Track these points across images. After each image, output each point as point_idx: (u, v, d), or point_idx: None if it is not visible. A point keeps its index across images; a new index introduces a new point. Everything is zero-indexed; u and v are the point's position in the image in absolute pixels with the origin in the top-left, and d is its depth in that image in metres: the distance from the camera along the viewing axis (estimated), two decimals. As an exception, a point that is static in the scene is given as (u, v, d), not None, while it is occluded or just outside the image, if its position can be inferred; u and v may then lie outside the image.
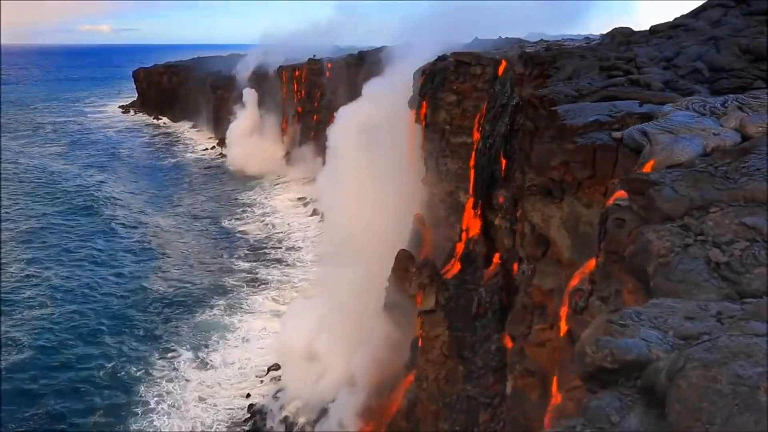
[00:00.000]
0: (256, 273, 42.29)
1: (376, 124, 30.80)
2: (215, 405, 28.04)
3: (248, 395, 28.72)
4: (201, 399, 28.28)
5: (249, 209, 57.34)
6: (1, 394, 27.82)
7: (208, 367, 31.00)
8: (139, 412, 27.28)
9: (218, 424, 26.78)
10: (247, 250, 46.87)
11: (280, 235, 50.06)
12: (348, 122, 32.67)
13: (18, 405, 27.24)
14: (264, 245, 47.72)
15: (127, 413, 27.19)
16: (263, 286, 40.36)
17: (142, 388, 28.84)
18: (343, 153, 32.08)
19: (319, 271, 38.81)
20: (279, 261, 44.46)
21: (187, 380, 29.64)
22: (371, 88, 34.32)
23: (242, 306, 37.46)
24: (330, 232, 35.60)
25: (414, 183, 29.10)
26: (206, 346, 32.75)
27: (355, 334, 26.53)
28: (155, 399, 28.13)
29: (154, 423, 26.59)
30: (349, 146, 31.53)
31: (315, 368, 27.57)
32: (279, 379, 29.60)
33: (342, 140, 32.59)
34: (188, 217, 54.96)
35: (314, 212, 53.17)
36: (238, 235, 50.46)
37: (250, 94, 73.14)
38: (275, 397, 28.10)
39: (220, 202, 60.09)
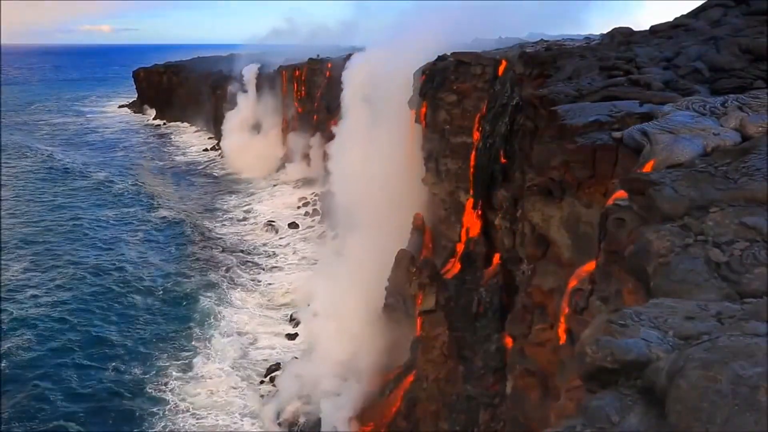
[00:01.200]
0: (255, 272, 42.32)
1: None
2: (219, 402, 28.07)
3: (249, 395, 28.72)
4: (204, 397, 28.34)
5: (246, 209, 57.23)
6: (2, 387, 27.79)
7: (207, 367, 30.99)
8: (147, 410, 27.30)
9: (219, 424, 26.76)
10: (245, 249, 46.90)
11: (277, 235, 50.01)
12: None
13: (23, 408, 26.89)
14: (261, 246, 47.70)
15: (134, 414, 27.14)
16: (259, 286, 40.38)
17: (146, 388, 28.84)
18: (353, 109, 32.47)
19: (332, 244, 38.86)
20: (275, 263, 44.42)
21: (187, 381, 29.66)
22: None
23: (234, 305, 37.45)
24: (340, 197, 35.80)
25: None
26: (207, 347, 32.73)
27: (355, 341, 26.77)
28: (163, 398, 28.13)
29: (162, 423, 26.59)
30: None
31: (309, 378, 27.62)
32: (277, 379, 29.62)
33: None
34: (186, 215, 54.84)
35: (314, 212, 53.13)
36: (235, 235, 50.45)
37: (250, 71, 72.12)
38: (275, 396, 28.09)
39: (217, 201, 60.00)
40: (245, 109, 72.31)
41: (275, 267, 43.54)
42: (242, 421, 27.00)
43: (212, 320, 35.40)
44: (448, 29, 33.23)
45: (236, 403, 28.15)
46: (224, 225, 53.02)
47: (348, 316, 28.44)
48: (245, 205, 58.57)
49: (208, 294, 38.49)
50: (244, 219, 54.57)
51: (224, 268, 42.99)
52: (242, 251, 46.56)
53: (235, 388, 29.32)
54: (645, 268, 5.35)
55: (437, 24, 34.09)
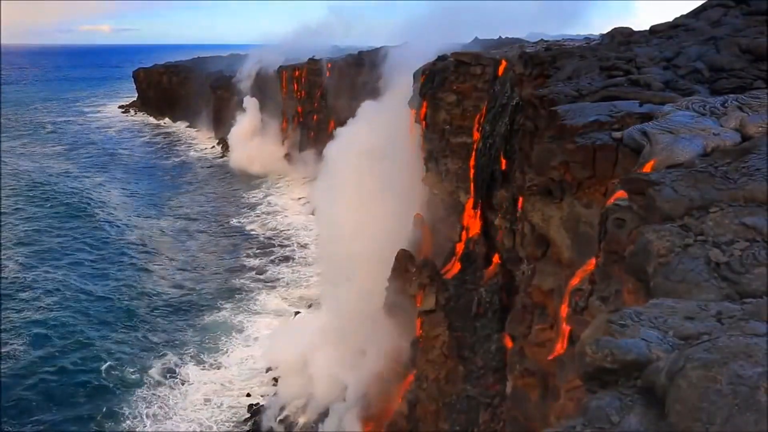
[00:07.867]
0: (266, 271, 42.47)
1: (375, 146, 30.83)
2: (220, 405, 28.02)
3: (248, 395, 28.71)
4: (206, 400, 28.25)
5: (253, 208, 57.30)
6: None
7: (213, 368, 30.99)
8: (139, 415, 27.18)
9: (220, 425, 26.74)
10: (256, 248, 46.93)
11: (287, 232, 50.00)
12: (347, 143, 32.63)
13: (12, 413, 26.71)
14: (271, 243, 47.77)
15: (126, 418, 27.02)
16: (272, 284, 40.48)
17: (143, 392, 28.72)
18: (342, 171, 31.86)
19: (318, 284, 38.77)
20: (287, 258, 44.52)
21: (190, 383, 29.58)
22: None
23: (251, 306, 37.50)
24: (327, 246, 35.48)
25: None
26: (212, 348, 32.71)
27: (355, 342, 26.68)
28: (155, 403, 27.97)
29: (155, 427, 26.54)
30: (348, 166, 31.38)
31: (309, 378, 27.50)
32: (279, 379, 29.60)
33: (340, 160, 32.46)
34: (191, 218, 54.70)
35: (314, 212, 53.23)
36: (244, 233, 50.44)
37: (251, 102, 73.31)
38: (275, 396, 28.10)
39: (223, 201, 59.93)
40: (247, 123, 72.58)
41: (284, 264, 43.70)
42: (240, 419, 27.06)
43: (219, 321, 35.53)
44: (448, 29, 33.11)
45: (239, 403, 28.18)
46: (229, 224, 53.09)
47: (348, 316, 28.41)
48: (249, 204, 58.66)
49: (215, 296, 38.50)
50: (250, 217, 54.53)
51: (230, 267, 43.19)
52: (250, 249, 46.69)
53: (236, 389, 29.34)
54: (645, 268, 5.35)
55: (437, 26, 33.94)
